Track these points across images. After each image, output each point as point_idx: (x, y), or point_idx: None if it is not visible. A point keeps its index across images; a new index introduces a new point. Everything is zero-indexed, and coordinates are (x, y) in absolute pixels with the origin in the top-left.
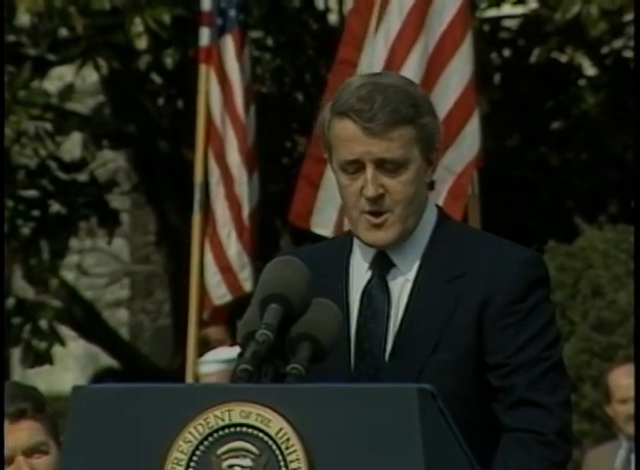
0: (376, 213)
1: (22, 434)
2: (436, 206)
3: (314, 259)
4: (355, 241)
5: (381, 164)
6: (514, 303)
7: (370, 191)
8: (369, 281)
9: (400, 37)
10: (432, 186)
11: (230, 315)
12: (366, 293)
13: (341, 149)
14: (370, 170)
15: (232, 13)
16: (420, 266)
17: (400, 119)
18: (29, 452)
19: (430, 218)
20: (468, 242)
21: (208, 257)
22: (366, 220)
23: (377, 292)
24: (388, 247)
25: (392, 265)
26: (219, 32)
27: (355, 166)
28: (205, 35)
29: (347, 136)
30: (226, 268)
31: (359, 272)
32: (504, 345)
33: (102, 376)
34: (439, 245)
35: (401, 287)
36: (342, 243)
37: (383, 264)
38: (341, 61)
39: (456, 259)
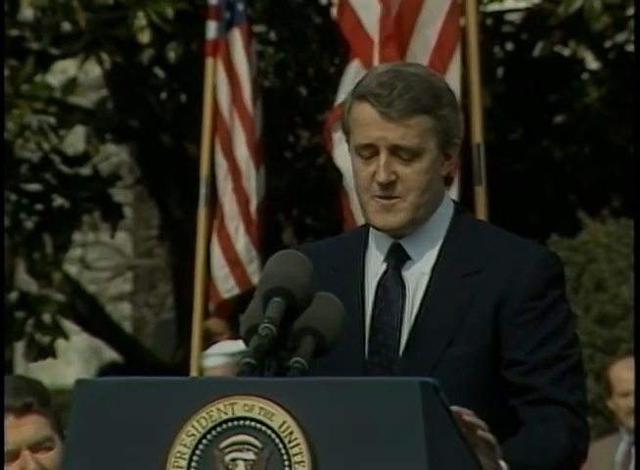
0: (386, 198)
1: (27, 428)
2: (453, 201)
3: (330, 253)
4: (371, 234)
5: (395, 151)
6: (531, 299)
7: (381, 176)
8: (384, 274)
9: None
10: (448, 181)
11: (233, 309)
12: (381, 285)
13: (357, 132)
14: (383, 156)
15: (240, 6)
16: (436, 260)
17: (419, 108)
18: (35, 447)
19: (446, 213)
20: (485, 237)
21: (216, 250)
22: (375, 203)
23: (391, 284)
24: (397, 232)
25: (408, 258)
26: (227, 26)
27: (370, 151)
28: (211, 29)
29: (364, 120)
30: (234, 262)
31: (375, 265)
32: (522, 341)
33: (107, 371)
34: (456, 239)
35: (417, 280)
36: (358, 236)
37: (398, 257)
38: (385, 37)
39: (473, 254)
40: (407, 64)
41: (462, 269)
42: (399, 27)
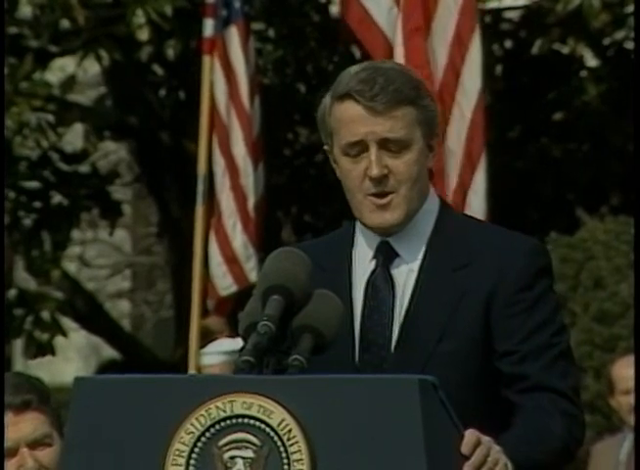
0: (380, 195)
1: (26, 425)
2: (438, 196)
3: (317, 253)
4: (358, 232)
5: (384, 145)
6: (521, 290)
7: (374, 170)
8: (373, 272)
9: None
10: (431, 175)
11: (232, 307)
12: (370, 284)
13: (343, 131)
14: (374, 151)
15: (237, 4)
16: (424, 256)
17: (403, 99)
18: (34, 444)
19: (432, 208)
20: (471, 231)
21: (214, 247)
22: (370, 202)
23: (381, 282)
24: (393, 229)
25: (396, 255)
26: (224, 23)
27: (358, 149)
28: (209, 26)
29: (350, 117)
30: (232, 259)
31: (362, 263)
32: (512, 332)
33: (106, 369)
34: (443, 234)
35: (406, 277)
36: (345, 235)
37: (386, 255)
38: (413, 29)
39: (461, 249)
40: (381, 61)
41: (450, 264)
42: (426, 19)
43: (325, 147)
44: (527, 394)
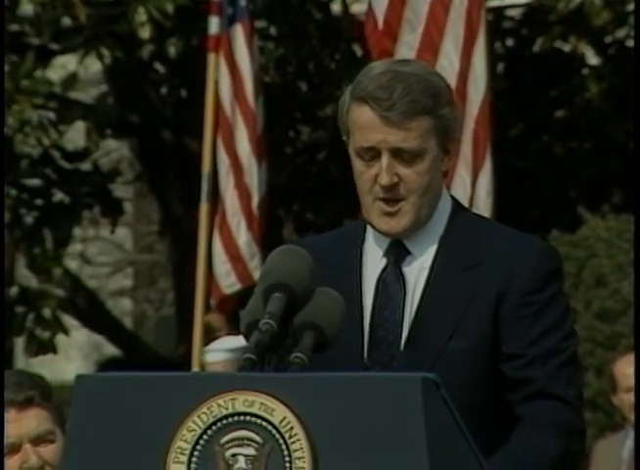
0: (390, 201)
1: (29, 422)
2: (451, 196)
3: (322, 249)
4: (369, 229)
5: (397, 154)
6: (531, 293)
7: (384, 179)
8: (384, 269)
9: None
10: (445, 175)
11: (235, 305)
12: (381, 281)
13: (357, 135)
14: (385, 159)
15: (242, 2)
16: (436, 254)
17: (419, 110)
18: (37, 441)
19: (445, 208)
20: (483, 231)
21: (218, 245)
22: (379, 208)
23: (392, 280)
24: (401, 235)
25: (408, 253)
26: (229, 21)
27: (371, 154)
28: (214, 24)
29: (365, 123)
30: (236, 257)
31: (373, 260)
32: (520, 335)
33: (107, 366)
34: (455, 234)
35: (417, 275)
36: (355, 231)
37: (398, 252)
38: (380, 52)
39: (472, 248)
40: (404, 62)
41: (462, 263)
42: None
43: (343, 138)
44: (530, 402)
